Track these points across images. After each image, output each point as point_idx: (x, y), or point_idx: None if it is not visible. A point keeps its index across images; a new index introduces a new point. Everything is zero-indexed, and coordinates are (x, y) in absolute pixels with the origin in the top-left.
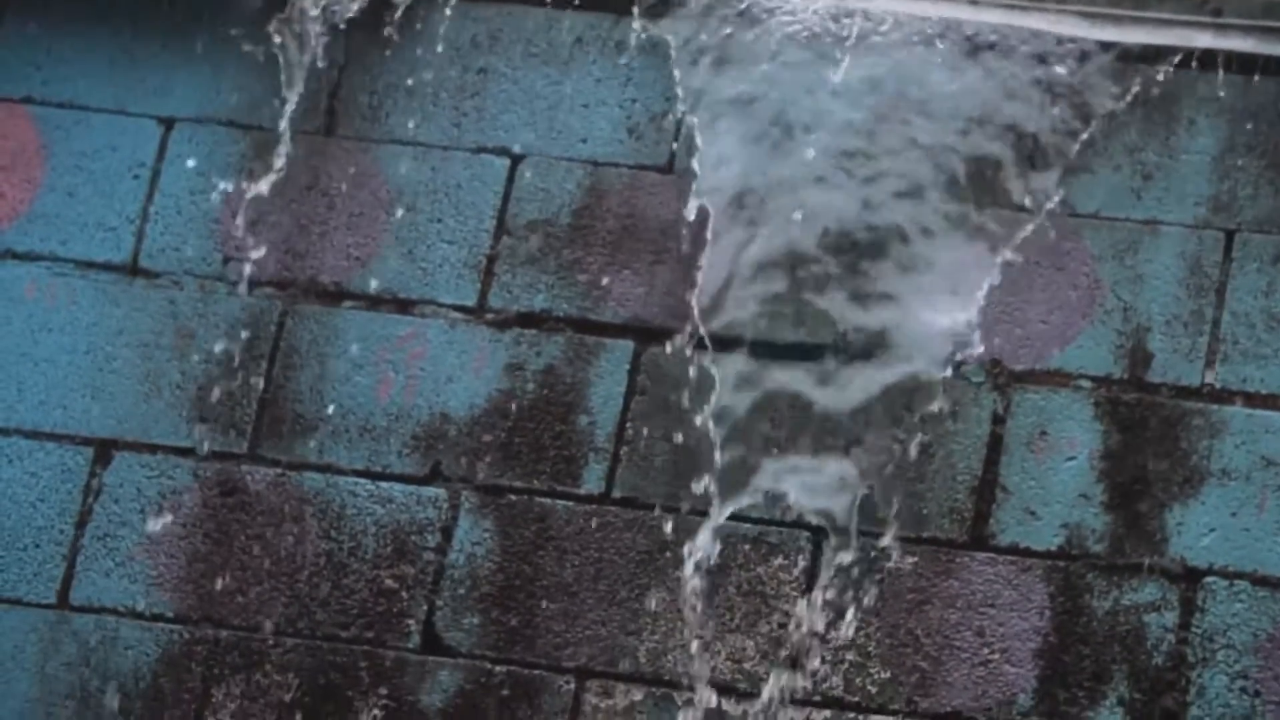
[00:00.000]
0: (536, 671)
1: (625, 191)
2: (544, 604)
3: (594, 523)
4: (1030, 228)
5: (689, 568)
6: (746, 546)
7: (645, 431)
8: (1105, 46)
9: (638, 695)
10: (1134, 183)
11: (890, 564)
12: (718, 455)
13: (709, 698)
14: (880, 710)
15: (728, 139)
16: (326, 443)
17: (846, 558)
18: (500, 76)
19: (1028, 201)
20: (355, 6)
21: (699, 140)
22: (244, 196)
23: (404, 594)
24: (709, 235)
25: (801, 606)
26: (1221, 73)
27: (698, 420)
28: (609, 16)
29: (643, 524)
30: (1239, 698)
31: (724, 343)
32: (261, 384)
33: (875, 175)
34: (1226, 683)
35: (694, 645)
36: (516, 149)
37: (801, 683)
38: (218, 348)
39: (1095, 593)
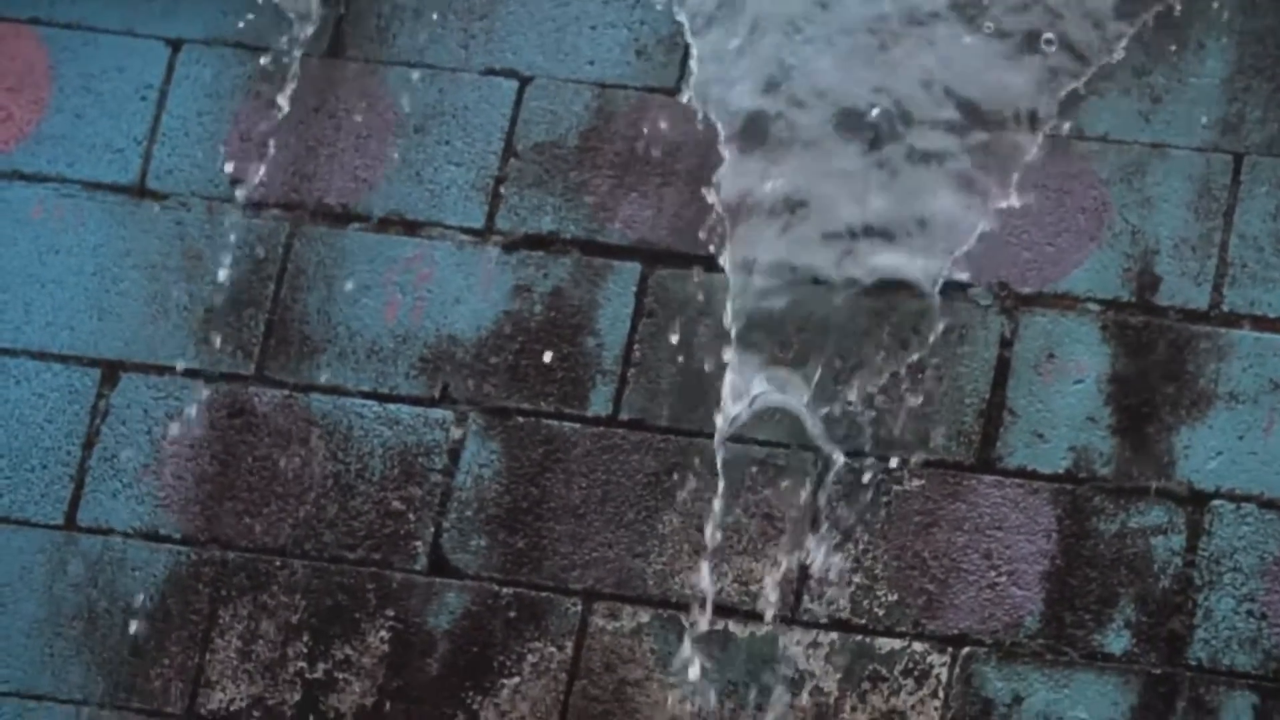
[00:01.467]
0: (543, 594)
1: (633, 113)
2: (551, 526)
3: (601, 445)
4: (1038, 150)
5: (696, 490)
6: (754, 469)
7: (653, 354)
8: None
9: (645, 617)
10: (1142, 106)
11: (897, 487)
12: (725, 377)
13: (716, 620)
14: (887, 633)
15: (735, 59)
16: (333, 364)
17: (853, 480)
18: None
19: (1036, 124)
20: None
21: (707, 61)
22: (251, 118)
23: (411, 516)
24: (716, 157)
25: (808, 529)
26: None
27: (705, 343)
28: None
29: (650, 446)
30: (1245, 620)
31: (731, 265)
32: (268, 306)
33: (882, 97)
34: (1233, 606)
35: (701, 568)
36: (524, 71)
37: (808, 605)
38: (225, 269)
39: (1102, 516)
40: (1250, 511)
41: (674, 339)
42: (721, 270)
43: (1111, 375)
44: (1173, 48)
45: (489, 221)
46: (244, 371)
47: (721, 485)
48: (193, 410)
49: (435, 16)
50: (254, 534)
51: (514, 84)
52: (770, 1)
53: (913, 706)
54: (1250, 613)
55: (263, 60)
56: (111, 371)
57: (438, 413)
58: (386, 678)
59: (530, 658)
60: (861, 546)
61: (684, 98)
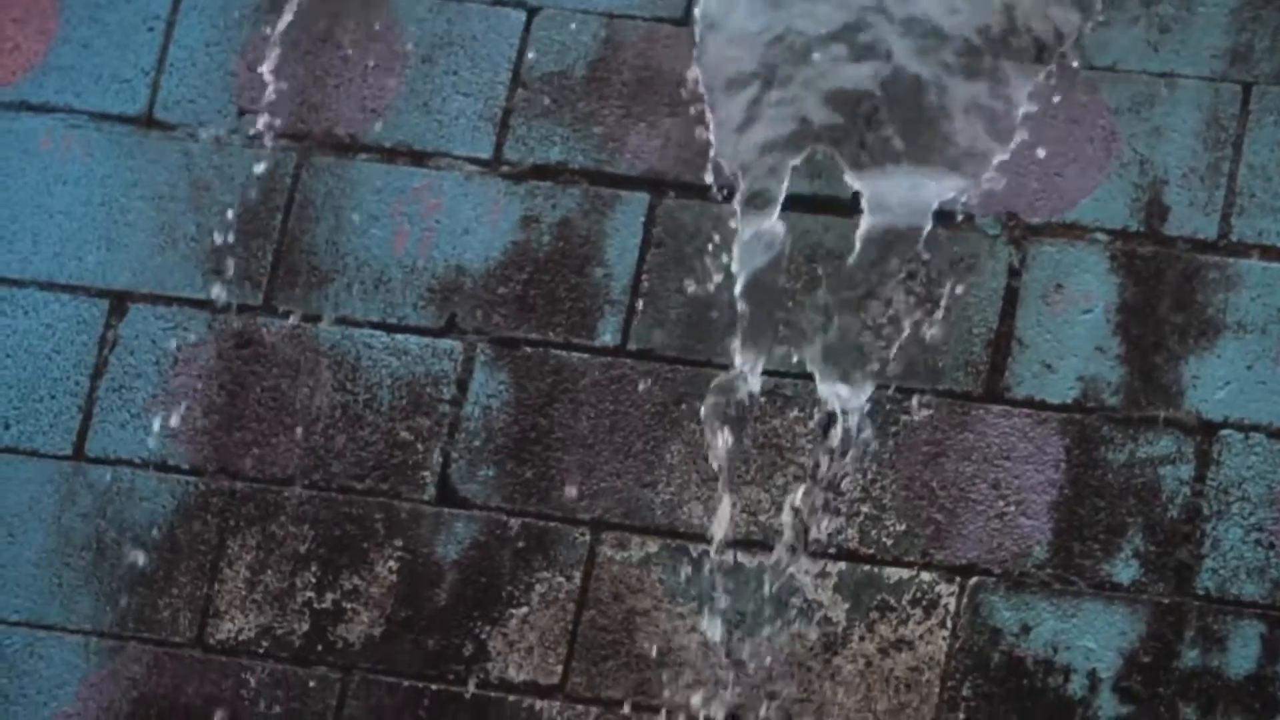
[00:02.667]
0: (552, 524)
1: (641, 44)
2: (559, 456)
3: (609, 375)
4: (1046, 80)
5: (704, 420)
6: (762, 399)
7: (661, 284)
8: None
9: (653, 547)
10: (1151, 35)
11: (905, 417)
12: (733, 308)
13: (724, 550)
14: (895, 562)
15: None
16: (341, 295)
17: (862, 410)
18: None
19: (1044, 54)
20: None
21: None
22: (259, 49)
23: (419, 446)
24: (724, 87)
25: (817, 459)
26: None
27: (713, 273)
28: None
29: (658, 376)
30: (1253, 550)
31: (740, 195)
32: (276, 236)
33: (891, 25)
34: (1241, 535)
35: (709, 498)
36: (532, 1)
37: (816, 535)
38: (233, 200)
39: (1110, 446)
40: (1259, 441)
41: (682, 269)
42: (729, 200)
43: (1120, 305)
44: None
45: (497, 152)
46: (252, 302)
47: (729, 415)
48: (201, 341)
49: None
50: (262, 464)
51: (522, 14)
52: None
53: (920, 636)
54: (1258, 542)
55: None
56: (120, 302)
57: (446, 343)
58: (395, 608)
59: (538, 588)
60: (869, 476)
61: (692, 28)
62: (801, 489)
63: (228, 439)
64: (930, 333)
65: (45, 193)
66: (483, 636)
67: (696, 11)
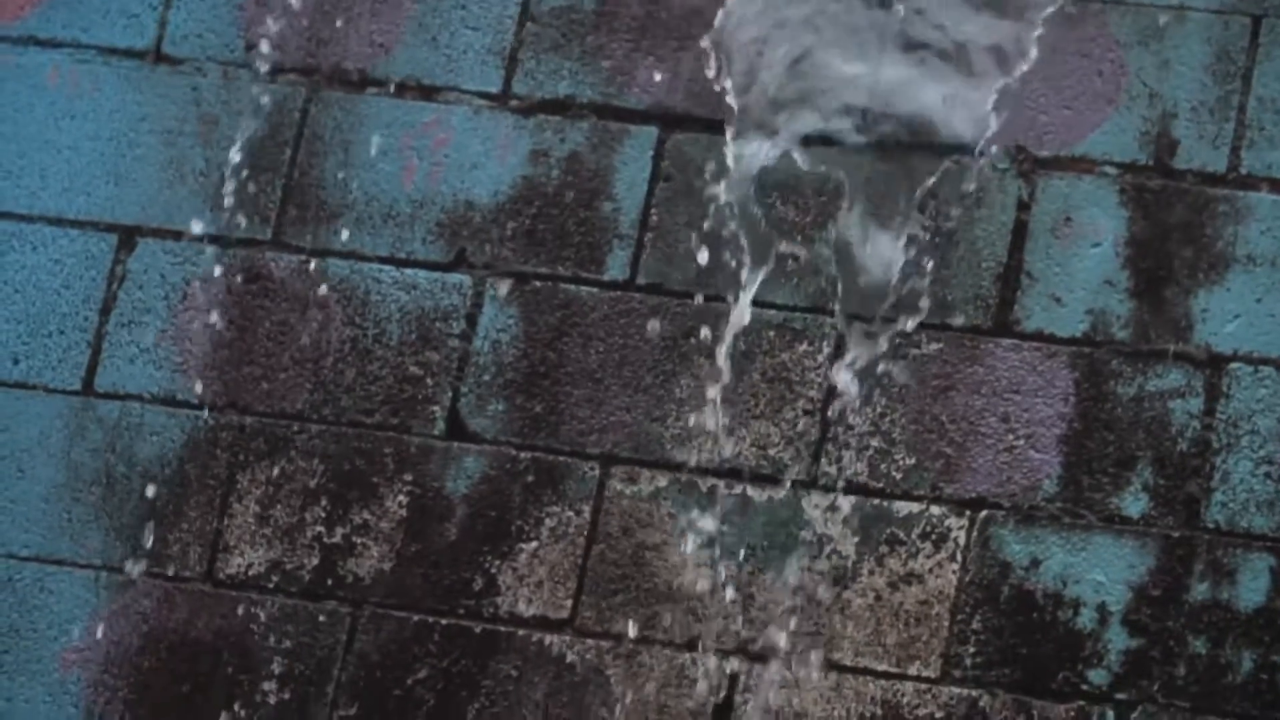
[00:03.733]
0: (561, 458)
1: None
2: (568, 390)
3: (618, 309)
4: (1055, 13)
5: (713, 354)
6: (771, 332)
7: (670, 218)
8: None
9: (662, 482)
10: None
11: (915, 350)
12: (741, 241)
13: (733, 484)
14: (905, 496)
15: None
16: (350, 229)
17: (871, 344)
18: None
19: None
20: None
21: None
22: None
23: (429, 381)
24: (733, 21)
25: (826, 393)
26: None
27: (721, 207)
28: None
29: (667, 310)
30: (1263, 483)
31: (748, 128)
32: (285, 171)
33: None
34: (1251, 468)
35: (719, 432)
36: None
37: (826, 469)
38: (241, 135)
39: (1120, 379)
40: (1268, 374)
41: (691, 203)
42: (738, 134)
43: (1129, 239)
44: None
45: (506, 86)
46: (261, 237)
47: (739, 349)
48: (210, 275)
49: None
50: (271, 399)
51: None
52: None
53: (930, 570)
54: (1268, 475)
55: None
56: (128, 237)
57: (455, 278)
58: (404, 542)
59: (548, 522)
60: (879, 410)
61: None
62: (810, 423)
63: (237, 374)
64: (939, 266)
65: (53, 128)
66: (492, 571)
67: None
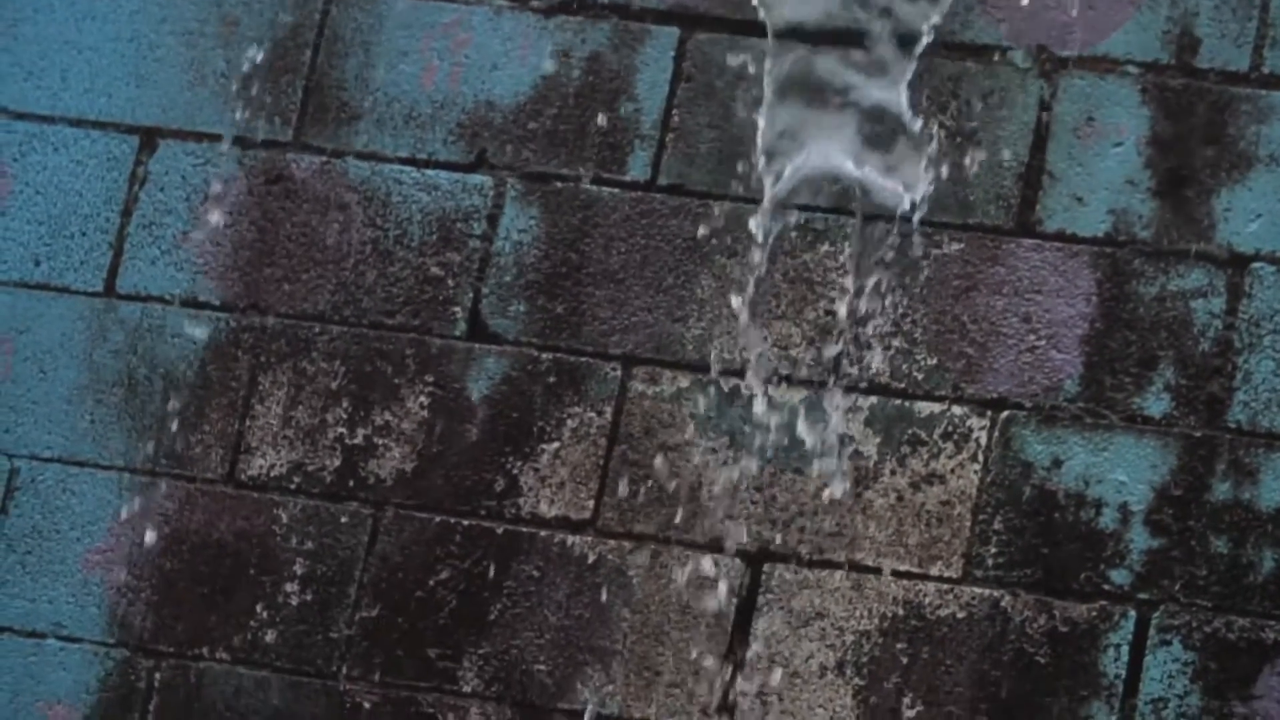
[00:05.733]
0: (583, 358)
1: None
2: (590, 291)
3: (640, 210)
4: None
5: (735, 255)
6: (793, 233)
7: (691, 119)
8: None
9: (684, 382)
10: None
11: (936, 250)
12: (763, 141)
13: (755, 384)
14: (926, 396)
15: None
16: (371, 130)
17: (892, 244)
18: None
19: None
20: None
21: None
22: None
23: (450, 281)
24: None
25: (847, 293)
26: None
27: (743, 107)
28: None
29: (689, 211)
30: None
31: (770, 29)
32: (306, 72)
33: None
34: (1273, 368)
35: (740, 332)
36: None
37: (847, 369)
38: (262, 36)
39: (1142, 279)
40: None
41: (712, 103)
42: (761, 34)
43: (1151, 138)
44: None
45: None
46: (282, 138)
47: (760, 249)
48: (231, 177)
49: None
50: (293, 300)
51: None
52: None
53: (952, 470)
54: None
55: None
56: (149, 138)
57: (476, 178)
58: (426, 443)
59: (570, 423)
60: (900, 310)
61: None
62: (832, 323)
63: (258, 275)
64: (961, 166)
65: (74, 29)
66: (514, 472)
67: None
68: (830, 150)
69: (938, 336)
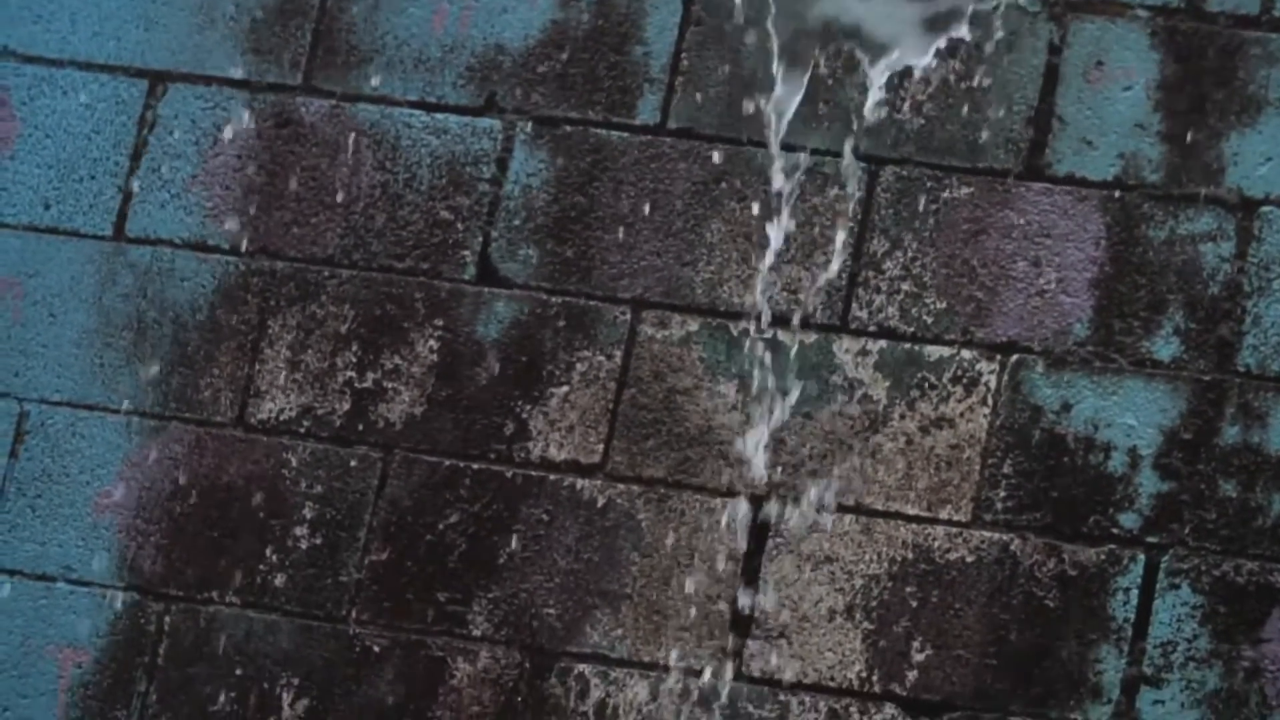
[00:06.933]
0: (592, 302)
1: None
2: (599, 235)
3: (649, 154)
4: None
5: (744, 198)
6: (802, 177)
7: (700, 63)
8: None
9: (693, 326)
10: None
11: (946, 194)
12: (772, 85)
13: (764, 328)
14: (936, 340)
15: None
16: (381, 73)
17: (901, 188)
18: None
19: None
20: None
21: None
22: None
23: (459, 225)
24: None
25: (857, 237)
26: None
27: (753, 50)
28: None
29: (698, 155)
30: None
31: None
32: (315, 15)
33: None
34: None
35: (749, 276)
36: None
37: (856, 313)
38: None
39: (1151, 223)
40: None
41: (722, 47)
42: None
43: (1161, 82)
44: None
45: None
46: (291, 82)
47: (770, 193)
48: (240, 121)
49: None
50: (302, 244)
51: None
52: None
53: (961, 414)
54: None
55: None
56: (159, 82)
57: (485, 122)
58: (435, 387)
59: (579, 366)
60: (910, 254)
61: None
62: (841, 266)
63: (268, 219)
64: (970, 110)
65: None
66: (524, 415)
67: None
68: (836, 96)
69: (947, 280)
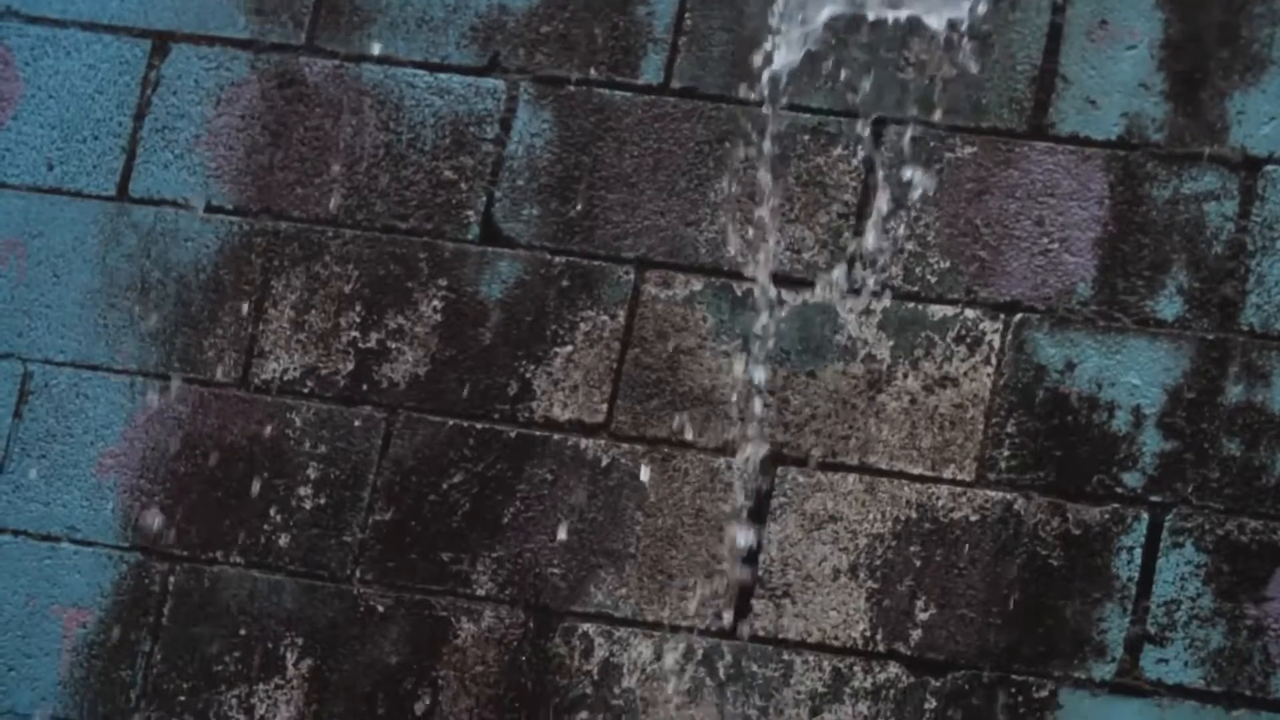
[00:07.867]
0: (596, 262)
1: None
2: (603, 195)
3: (653, 113)
4: None
5: (747, 158)
6: (806, 136)
7: (704, 22)
8: None
9: (697, 285)
10: None
11: (949, 154)
12: (777, 44)
13: (768, 288)
14: (939, 300)
15: None
16: (384, 34)
17: (905, 147)
18: None
19: None
20: None
21: None
22: None
23: (463, 185)
24: None
25: (860, 196)
26: None
27: (757, 9)
28: None
29: (701, 114)
30: None
31: None
32: None
33: None
34: None
35: (753, 236)
36: None
37: (860, 272)
38: None
39: (1155, 182)
40: None
41: (725, 7)
42: None
43: (1164, 40)
44: None
45: None
46: (294, 42)
47: (773, 153)
48: (243, 81)
49: None
50: (306, 204)
51: None
52: None
53: (965, 373)
54: None
55: None
56: (162, 42)
57: (489, 82)
58: (439, 347)
59: (583, 326)
60: (914, 214)
61: None
62: (845, 226)
63: (271, 179)
64: (974, 69)
65: None
66: (527, 375)
67: None
68: (841, 55)
69: (951, 240)
